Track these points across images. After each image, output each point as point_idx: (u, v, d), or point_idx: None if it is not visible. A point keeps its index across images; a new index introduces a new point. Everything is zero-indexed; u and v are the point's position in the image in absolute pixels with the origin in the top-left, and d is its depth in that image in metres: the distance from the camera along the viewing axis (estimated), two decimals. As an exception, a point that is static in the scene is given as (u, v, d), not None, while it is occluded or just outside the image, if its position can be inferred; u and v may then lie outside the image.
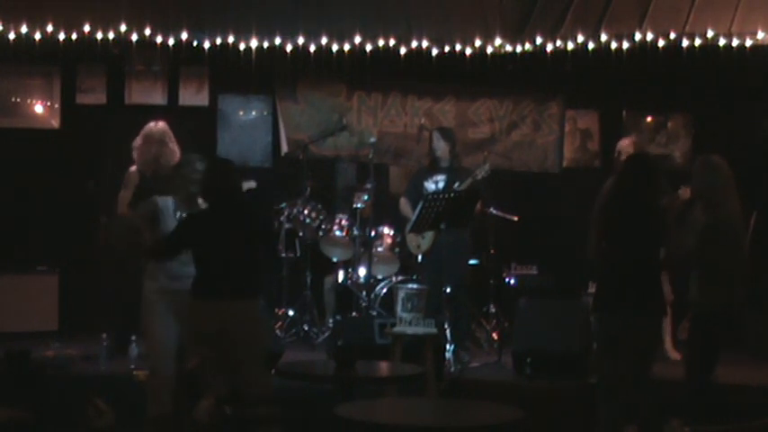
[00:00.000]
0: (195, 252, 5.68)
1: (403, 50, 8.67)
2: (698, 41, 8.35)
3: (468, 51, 8.71)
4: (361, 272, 8.64)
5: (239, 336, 5.57)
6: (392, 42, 8.62)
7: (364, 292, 8.42)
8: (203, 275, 5.66)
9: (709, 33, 8.28)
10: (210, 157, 6.96)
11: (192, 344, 5.70)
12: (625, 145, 8.10)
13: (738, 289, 5.97)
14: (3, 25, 8.18)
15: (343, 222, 8.66)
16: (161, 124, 7.36)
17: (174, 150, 7.30)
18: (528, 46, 8.67)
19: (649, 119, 10.06)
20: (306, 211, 8.56)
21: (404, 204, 8.22)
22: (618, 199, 5.86)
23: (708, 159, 6.14)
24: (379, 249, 8.62)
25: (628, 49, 8.43)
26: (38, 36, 8.25)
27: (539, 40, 8.59)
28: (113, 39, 8.35)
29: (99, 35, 8.31)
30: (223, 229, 5.64)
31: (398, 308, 6.82)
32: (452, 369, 7.26)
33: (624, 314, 5.63)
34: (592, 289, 8.34)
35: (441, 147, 8.06)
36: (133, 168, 7.54)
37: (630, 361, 5.68)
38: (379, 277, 8.67)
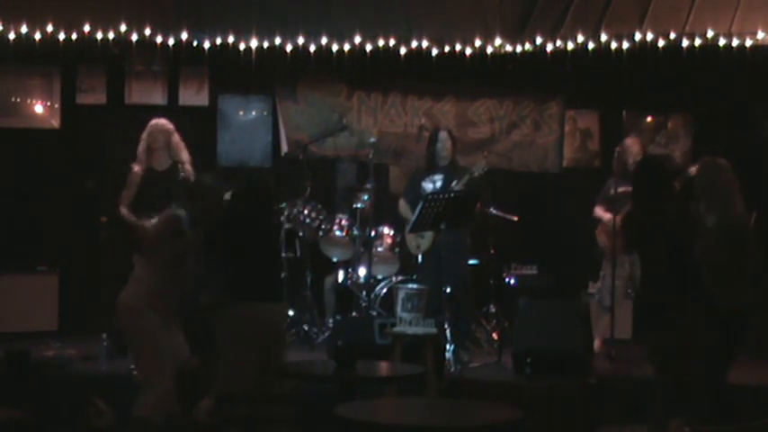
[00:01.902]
0: (245, 254, 5.85)
1: (403, 50, 8.67)
2: (698, 41, 8.35)
3: (468, 51, 8.71)
4: (361, 272, 8.64)
5: (281, 335, 6.15)
6: (392, 42, 8.63)
7: (364, 292, 8.42)
8: (257, 278, 5.84)
9: (710, 33, 8.28)
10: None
11: (237, 345, 5.75)
12: (630, 144, 8.07)
13: (747, 289, 5.95)
14: (3, 25, 8.18)
15: (343, 222, 8.66)
16: (164, 120, 7.55)
17: (180, 143, 7.51)
18: (528, 46, 8.67)
19: (649, 119, 10.06)
20: (306, 211, 8.56)
21: (402, 206, 8.22)
22: (639, 210, 5.78)
23: (711, 161, 6.13)
24: (379, 249, 8.62)
25: (628, 49, 8.43)
26: (38, 36, 8.25)
27: (539, 40, 8.60)
28: (113, 39, 8.35)
29: (99, 35, 8.31)
30: (266, 232, 6.10)
31: (398, 308, 6.82)
32: (452, 369, 7.25)
33: (677, 325, 5.58)
34: (592, 289, 8.38)
35: (448, 147, 8.08)
36: (137, 168, 7.52)
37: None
38: (379, 277, 8.67)
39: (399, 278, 8.53)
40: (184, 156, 7.56)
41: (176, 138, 7.53)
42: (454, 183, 7.82)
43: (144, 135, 7.53)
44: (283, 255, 8.66)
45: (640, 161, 6.73)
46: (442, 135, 8.16)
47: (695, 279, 5.73)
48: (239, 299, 5.82)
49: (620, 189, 7.56)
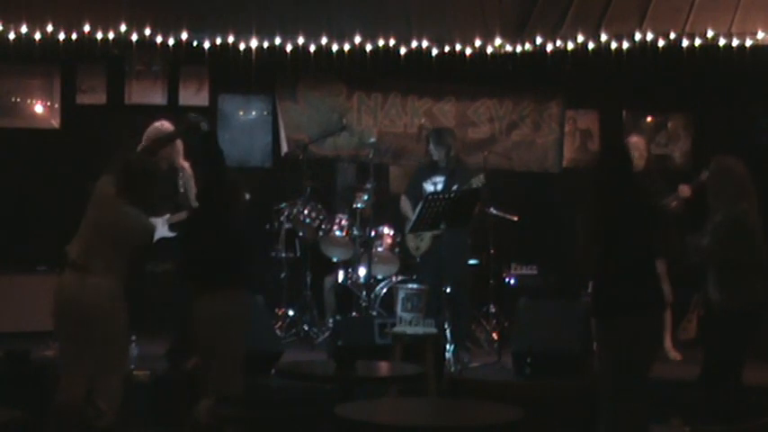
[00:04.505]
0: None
1: (403, 50, 8.68)
2: (698, 41, 8.36)
3: (468, 51, 8.72)
4: (361, 272, 8.64)
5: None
6: (392, 42, 8.63)
7: (364, 292, 8.42)
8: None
9: (710, 33, 8.29)
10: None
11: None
12: (635, 141, 7.99)
13: (760, 287, 5.93)
14: (3, 25, 8.19)
15: (343, 222, 8.66)
16: (167, 124, 7.42)
17: (179, 148, 7.44)
18: (528, 46, 8.68)
19: (649, 119, 10.06)
20: (306, 211, 8.56)
21: (404, 203, 8.22)
22: (603, 195, 5.50)
23: (722, 160, 6.13)
24: (379, 249, 8.62)
25: (628, 49, 8.44)
26: (38, 36, 8.26)
27: (539, 40, 8.60)
28: (113, 39, 8.36)
29: (99, 35, 8.32)
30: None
31: (398, 308, 6.82)
32: (452, 369, 7.25)
33: (625, 316, 5.50)
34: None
35: (435, 151, 8.07)
36: None
37: (630, 364, 5.56)
38: (379, 277, 8.67)
39: (399, 278, 8.53)
40: (180, 159, 7.59)
41: (178, 143, 7.54)
42: (455, 188, 7.80)
43: (150, 135, 7.49)
44: (283, 255, 8.68)
45: (604, 147, 6.53)
46: (430, 138, 8.16)
47: (653, 273, 5.54)
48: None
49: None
